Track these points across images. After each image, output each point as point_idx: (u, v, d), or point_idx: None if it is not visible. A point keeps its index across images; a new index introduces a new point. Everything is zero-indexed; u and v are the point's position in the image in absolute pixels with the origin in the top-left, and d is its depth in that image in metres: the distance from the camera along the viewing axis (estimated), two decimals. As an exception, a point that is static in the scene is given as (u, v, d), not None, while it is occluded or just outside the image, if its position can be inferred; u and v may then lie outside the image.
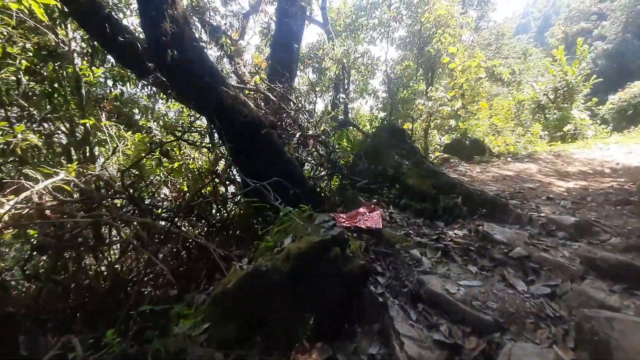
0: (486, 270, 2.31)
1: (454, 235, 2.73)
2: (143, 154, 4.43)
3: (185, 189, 4.19)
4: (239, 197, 3.75)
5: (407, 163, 3.59)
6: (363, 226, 2.77)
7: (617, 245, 2.27)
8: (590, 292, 1.88)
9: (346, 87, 12.75)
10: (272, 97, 5.12)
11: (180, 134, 4.40)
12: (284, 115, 4.85)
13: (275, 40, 6.63)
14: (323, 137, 4.88)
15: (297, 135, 4.63)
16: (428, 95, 9.63)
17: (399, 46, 13.27)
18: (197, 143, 4.65)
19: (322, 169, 4.57)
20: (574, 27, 64.97)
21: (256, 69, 7.36)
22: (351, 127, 5.37)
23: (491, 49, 24.01)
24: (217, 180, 3.94)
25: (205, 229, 3.89)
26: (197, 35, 6.81)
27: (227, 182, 4.23)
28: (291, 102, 5.52)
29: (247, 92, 5.56)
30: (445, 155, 5.85)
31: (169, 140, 4.49)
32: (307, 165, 4.69)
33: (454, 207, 3.04)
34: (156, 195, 4.54)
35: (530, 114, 12.29)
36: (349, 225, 2.87)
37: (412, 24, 11.16)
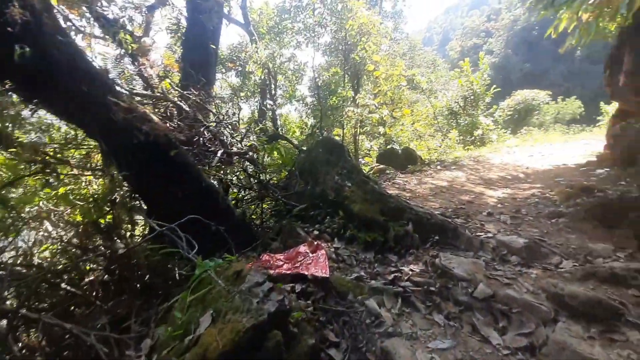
0: (453, 319, 1.97)
1: (410, 273, 2.36)
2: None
3: (79, 218, 3.13)
4: (144, 242, 2.87)
5: (350, 185, 3.18)
6: (307, 273, 2.23)
7: (574, 273, 2.14)
8: (571, 344, 1.64)
9: (273, 92, 12.13)
10: (185, 107, 4.26)
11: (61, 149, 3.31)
12: (202, 130, 4.05)
13: (187, 39, 5.69)
14: (250, 153, 4.22)
15: (219, 154, 3.88)
16: (356, 102, 9.60)
17: (325, 52, 13.18)
18: (85, 165, 3.56)
19: (251, 192, 3.90)
20: (468, 42, 74.93)
21: (165, 71, 6.28)
22: (282, 140, 4.82)
23: (406, 59, 25.94)
24: (116, 210, 3.01)
25: (101, 278, 2.92)
26: (87, 29, 5.47)
27: (131, 212, 3.29)
28: (211, 113, 4.71)
29: (154, 101, 4.59)
30: (381, 166, 5.71)
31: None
32: (233, 189, 3.96)
33: (405, 236, 2.70)
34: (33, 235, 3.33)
35: (445, 120, 13.32)
36: (289, 272, 2.30)
37: (336, 30, 11.10)
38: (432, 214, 2.90)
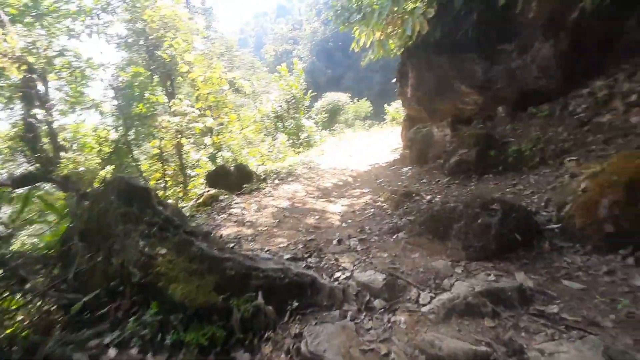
0: None
1: (271, 381, 1.65)
2: None
3: None
4: None
5: (164, 251, 2.14)
6: None
7: (438, 313, 1.99)
8: None
9: (43, 97, 8.66)
10: None
11: None
12: None
13: None
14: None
15: None
16: (172, 109, 8.02)
17: (120, 46, 10.50)
18: None
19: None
20: (280, 47, 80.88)
21: None
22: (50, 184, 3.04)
23: (224, 60, 24.95)
24: None
25: None
26: None
27: None
28: None
29: None
30: (213, 192, 4.69)
31: None
32: None
33: (257, 315, 1.95)
34: None
35: (273, 124, 13.38)
36: None
37: (132, 20, 8.91)
38: (285, 269, 2.26)
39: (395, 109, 18.49)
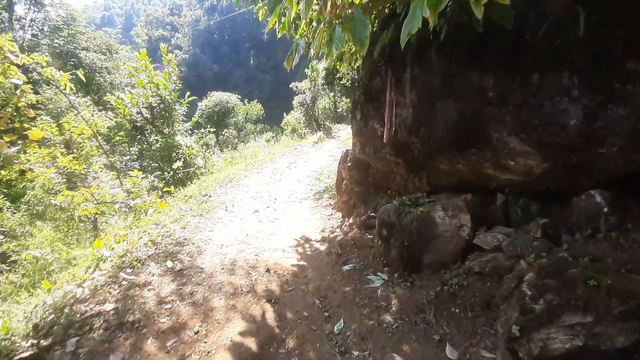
0: None
1: None
2: None
3: None
4: None
5: None
6: None
7: None
8: None
9: None
10: None
11: None
12: None
13: None
14: None
15: None
16: None
17: None
18: None
19: None
20: (155, 32, 67.87)
21: None
22: None
23: (62, 35, 17.08)
24: None
25: None
26: None
27: None
28: None
29: None
30: None
31: None
32: None
33: None
34: None
35: (128, 138, 8.49)
36: None
37: None
38: None
39: (296, 119, 15.61)
